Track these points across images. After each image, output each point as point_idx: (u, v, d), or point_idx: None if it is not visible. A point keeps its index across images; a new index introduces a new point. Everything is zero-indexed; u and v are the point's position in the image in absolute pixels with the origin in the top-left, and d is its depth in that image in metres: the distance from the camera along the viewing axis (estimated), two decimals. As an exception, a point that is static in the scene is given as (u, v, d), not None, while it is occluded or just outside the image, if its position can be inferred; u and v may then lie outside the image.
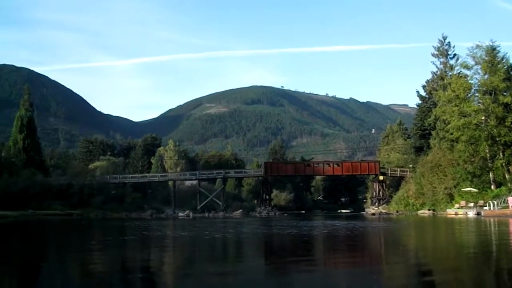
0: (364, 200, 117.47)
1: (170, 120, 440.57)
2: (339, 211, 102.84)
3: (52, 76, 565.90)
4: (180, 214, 74.87)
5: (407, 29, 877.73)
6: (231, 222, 43.86)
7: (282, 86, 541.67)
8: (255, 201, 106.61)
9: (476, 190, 58.24)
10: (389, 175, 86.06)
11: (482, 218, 41.97)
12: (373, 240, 21.57)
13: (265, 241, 21.08)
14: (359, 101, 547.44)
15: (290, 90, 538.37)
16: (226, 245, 19.28)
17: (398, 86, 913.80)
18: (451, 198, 62.44)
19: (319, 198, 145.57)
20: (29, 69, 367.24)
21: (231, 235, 24.67)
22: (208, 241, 20.49)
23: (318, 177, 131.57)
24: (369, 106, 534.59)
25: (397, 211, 69.69)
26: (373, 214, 70.03)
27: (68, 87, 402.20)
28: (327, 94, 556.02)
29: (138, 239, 22.58)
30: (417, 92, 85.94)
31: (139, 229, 30.81)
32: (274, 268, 11.61)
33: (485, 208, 50.49)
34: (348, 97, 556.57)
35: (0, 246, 19.85)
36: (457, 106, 60.09)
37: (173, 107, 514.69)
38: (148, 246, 18.88)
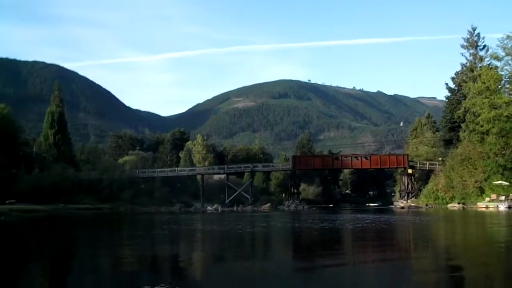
0: (392, 194, 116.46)
1: (198, 114, 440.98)
2: (367, 204, 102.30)
3: (82, 72, 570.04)
4: (209, 208, 75.14)
5: (435, 21, 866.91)
6: (260, 216, 43.87)
7: (309, 80, 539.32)
8: (283, 195, 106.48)
9: (507, 183, 57.47)
10: (418, 168, 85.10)
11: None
12: (411, 233, 21.35)
13: (302, 235, 20.90)
14: (386, 94, 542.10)
15: (317, 84, 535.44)
16: (263, 239, 19.22)
17: (426, 78, 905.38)
18: (481, 192, 61.71)
19: (347, 191, 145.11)
20: (59, 66, 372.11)
21: (265, 229, 24.63)
22: (243, 236, 20.54)
23: (346, 171, 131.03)
24: (397, 99, 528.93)
25: (427, 205, 69.03)
26: (402, 207, 69.47)
27: (97, 82, 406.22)
28: (354, 87, 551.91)
29: (171, 232, 22.72)
30: (446, 84, 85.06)
31: (170, 223, 31.04)
32: (323, 262, 11.56)
33: (517, 201, 49.88)
34: (375, 90, 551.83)
35: (34, 239, 20.19)
36: (487, 98, 59.32)
37: (201, 102, 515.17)
38: (183, 240, 19.03)
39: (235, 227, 25.50)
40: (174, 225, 28.37)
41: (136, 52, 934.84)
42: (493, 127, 58.21)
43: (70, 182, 72.80)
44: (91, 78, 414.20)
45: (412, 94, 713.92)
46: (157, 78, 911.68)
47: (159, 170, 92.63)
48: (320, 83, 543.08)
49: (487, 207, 52.97)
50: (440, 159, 79.41)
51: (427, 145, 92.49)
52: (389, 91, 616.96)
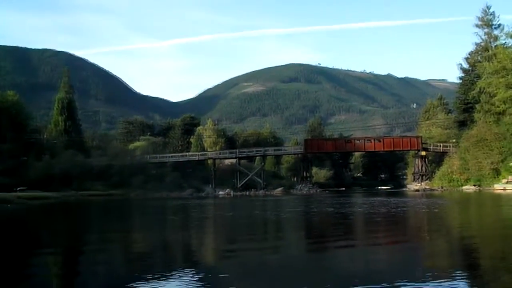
0: (404, 177, 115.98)
1: (208, 99, 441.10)
2: (378, 187, 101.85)
3: (91, 59, 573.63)
4: (221, 192, 75.21)
5: (444, 3, 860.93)
6: (277, 200, 43.45)
7: (319, 64, 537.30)
8: (294, 179, 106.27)
9: (525, 164, 56.47)
10: (431, 150, 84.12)
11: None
12: (438, 216, 20.57)
13: (355, 220, 19.85)
14: (396, 77, 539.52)
15: (327, 67, 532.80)
16: (324, 225, 18.39)
17: (436, 61, 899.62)
18: (497, 173, 60.67)
19: (358, 175, 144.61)
20: (69, 53, 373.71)
21: (300, 215, 23.89)
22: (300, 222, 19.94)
23: (357, 154, 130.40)
24: (407, 82, 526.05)
25: (442, 187, 68.11)
26: (417, 190, 68.59)
27: (107, 69, 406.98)
28: (364, 70, 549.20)
29: (188, 218, 22.22)
30: (460, 64, 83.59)
31: (185, 208, 30.58)
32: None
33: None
34: (385, 73, 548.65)
35: (45, 227, 19.71)
36: (503, 77, 58.06)
37: (211, 87, 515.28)
38: (203, 227, 18.47)
39: (265, 213, 24.86)
40: (189, 211, 27.88)
41: (146, 38, 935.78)
42: (509, 107, 57.03)
43: (80, 169, 72.40)
44: (101, 65, 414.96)
45: (423, 76, 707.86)
46: (167, 64, 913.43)
47: (170, 155, 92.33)
48: (330, 66, 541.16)
49: (504, 189, 51.94)
50: (454, 141, 78.37)
51: (440, 127, 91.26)
52: (399, 74, 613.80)
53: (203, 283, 7.44)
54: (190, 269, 8.38)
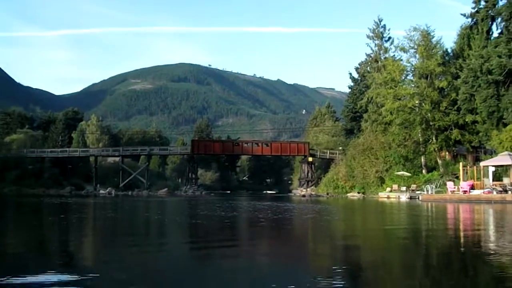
0: (289, 182, 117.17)
1: (94, 94, 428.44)
2: (264, 191, 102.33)
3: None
4: (102, 191, 73.96)
5: (336, 14, 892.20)
6: (162, 202, 42.29)
7: (209, 65, 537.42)
8: (180, 180, 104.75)
9: (408, 174, 57.65)
10: (318, 156, 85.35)
11: (420, 202, 40.96)
12: (319, 222, 19.53)
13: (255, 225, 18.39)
14: (286, 83, 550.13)
15: (218, 69, 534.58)
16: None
17: (325, 70, 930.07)
18: (382, 182, 61.72)
19: (244, 178, 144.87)
20: None
21: (186, 217, 22.28)
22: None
23: (243, 157, 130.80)
24: (296, 89, 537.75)
25: (327, 193, 68.64)
26: (304, 195, 68.73)
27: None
28: (254, 74, 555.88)
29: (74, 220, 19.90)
30: (350, 74, 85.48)
31: (67, 207, 28.21)
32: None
33: (423, 192, 49.52)
34: (275, 79, 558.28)
35: None
36: (392, 88, 59.14)
37: (97, 82, 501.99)
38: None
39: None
40: (67, 210, 25.48)
41: (30, 26, 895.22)
42: (396, 118, 58.09)
43: None
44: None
45: (311, 84, 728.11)
46: (52, 54, 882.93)
47: (49, 150, 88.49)
48: (220, 68, 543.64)
49: (388, 197, 52.59)
50: (340, 148, 79.50)
51: (328, 134, 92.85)
52: (289, 80, 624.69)
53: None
54: (62, 273, 7.35)
